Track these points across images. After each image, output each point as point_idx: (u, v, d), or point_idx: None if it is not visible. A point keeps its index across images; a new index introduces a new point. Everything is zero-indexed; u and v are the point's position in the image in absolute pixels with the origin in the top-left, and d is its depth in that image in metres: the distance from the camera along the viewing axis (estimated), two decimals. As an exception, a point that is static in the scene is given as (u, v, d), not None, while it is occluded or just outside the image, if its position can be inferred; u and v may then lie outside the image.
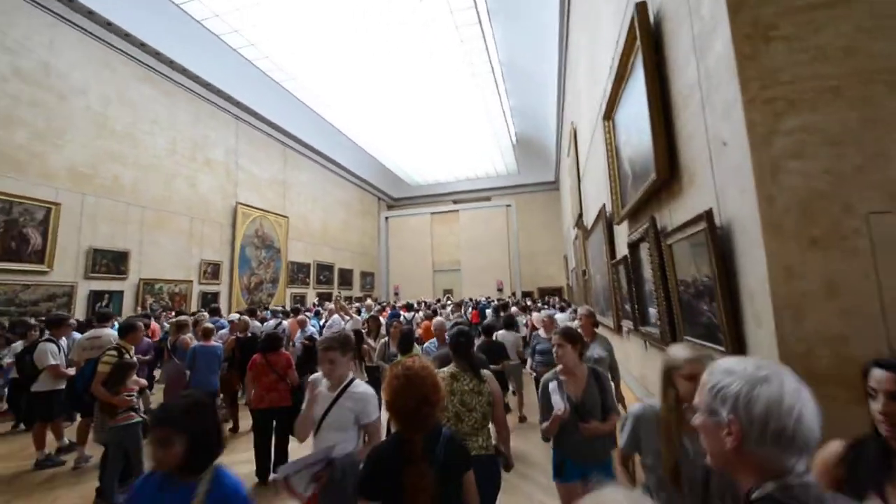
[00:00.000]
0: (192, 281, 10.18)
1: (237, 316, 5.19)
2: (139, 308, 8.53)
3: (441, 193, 22.30)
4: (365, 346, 3.90)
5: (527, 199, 20.34)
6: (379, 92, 13.42)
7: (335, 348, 1.97)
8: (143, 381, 3.21)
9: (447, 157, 18.93)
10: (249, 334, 4.96)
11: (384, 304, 12.21)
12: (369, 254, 20.64)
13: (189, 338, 4.28)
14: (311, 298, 14.90)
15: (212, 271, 10.76)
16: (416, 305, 10.76)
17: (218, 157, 11.45)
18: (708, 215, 1.75)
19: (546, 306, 10.67)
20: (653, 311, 2.81)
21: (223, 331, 5.12)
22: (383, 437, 1.86)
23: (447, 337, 2.50)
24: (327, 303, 9.91)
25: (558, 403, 2.10)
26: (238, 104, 12.05)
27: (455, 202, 21.52)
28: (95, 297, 7.95)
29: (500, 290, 18.54)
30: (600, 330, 3.98)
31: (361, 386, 1.97)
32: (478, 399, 2.12)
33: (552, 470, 2.30)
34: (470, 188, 21.69)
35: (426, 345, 3.68)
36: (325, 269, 16.38)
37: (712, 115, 1.78)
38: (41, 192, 7.30)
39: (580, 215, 8.01)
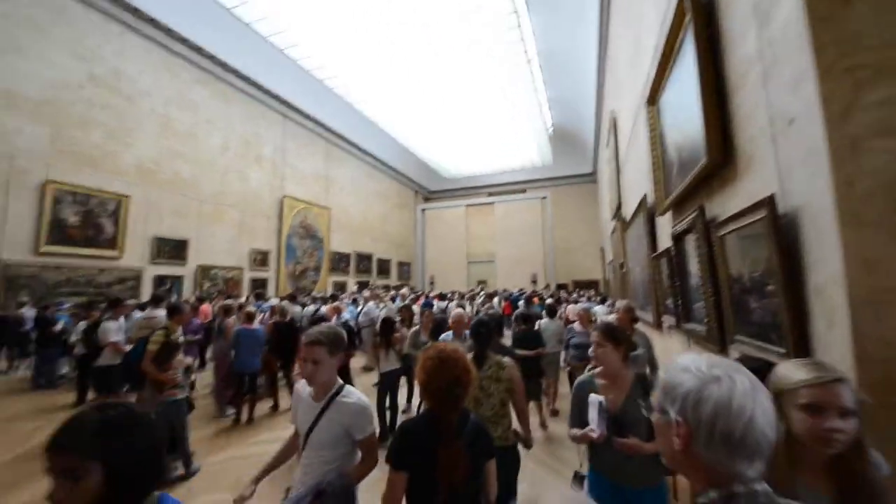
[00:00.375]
0: (243, 268, 10.67)
1: (277, 301, 5.34)
2: (197, 291, 9.09)
3: (476, 186, 22.09)
4: (397, 334, 3.89)
5: (563, 192, 19.77)
6: (416, 86, 13.37)
7: (322, 343, 1.51)
8: (189, 360, 3.41)
9: (483, 150, 18.67)
10: (288, 319, 5.04)
11: (419, 293, 12.29)
12: (406, 245, 20.81)
13: (233, 321, 4.49)
14: (351, 286, 15.24)
15: (260, 259, 11.24)
16: (449, 295, 10.75)
17: (266, 154, 11.88)
18: (769, 202, 1.54)
19: (583, 298, 10.27)
20: (699, 307, 2.57)
21: (266, 314, 5.32)
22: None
23: (470, 327, 2.37)
24: (365, 290, 10.07)
25: (594, 422, 1.72)
26: (285, 103, 12.42)
27: (490, 194, 21.29)
28: (159, 280, 8.55)
29: (534, 282, 18.20)
30: (639, 326, 3.75)
31: (353, 395, 1.57)
32: (496, 385, 2.09)
33: (587, 482, 1.90)
34: (505, 181, 21.32)
35: (441, 336, 3.56)
36: (364, 259, 16.62)
37: (776, 90, 1.56)
38: (113, 185, 7.90)
39: (619, 207, 7.66)
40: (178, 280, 8.95)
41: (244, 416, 4.35)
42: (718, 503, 0.59)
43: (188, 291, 9.08)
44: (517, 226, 19.18)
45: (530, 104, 14.62)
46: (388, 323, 3.87)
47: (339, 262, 14.98)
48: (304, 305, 6.38)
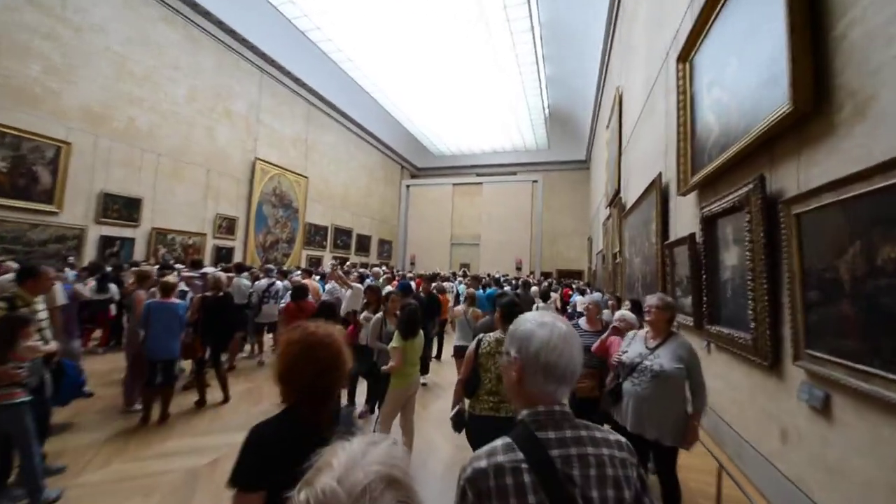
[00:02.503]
0: (206, 234, 9.79)
1: (211, 270, 4.58)
2: (151, 258, 8.24)
3: (465, 165, 21.50)
4: (356, 323, 3.20)
5: (555, 177, 19.38)
6: (409, 54, 12.44)
7: None
8: (50, 347, 2.41)
9: (474, 127, 18.08)
10: (221, 293, 4.22)
11: (398, 272, 11.68)
12: (389, 222, 20.25)
13: (143, 294, 3.67)
14: (328, 261, 14.54)
15: (227, 226, 10.42)
16: (446, 275, 10.17)
17: (239, 110, 10.89)
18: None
19: (589, 289, 9.83)
20: (736, 307, 2.02)
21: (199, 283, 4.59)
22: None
23: (498, 306, 2.34)
24: (331, 264, 9.35)
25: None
26: (263, 55, 11.35)
27: (479, 175, 20.73)
28: (106, 242, 7.65)
29: (518, 268, 17.97)
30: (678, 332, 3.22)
31: None
32: None
33: None
34: (495, 161, 20.80)
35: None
36: (343, 234, 16.06)
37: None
38: (53, 129, 6.89)
39: (617, 192, 7.37)
40: (127, 243, 8.06)
41: (154, 414, 3.58)
42: (525, 418, 0.82)
43: (140, 256, 8.21)
44: (505, 209, 18.79)
45: (529, 81, 13.89)
46: (330, 309, 3.16)
47: (315, 235, 14.32)
48: (256, 278, 5.68)
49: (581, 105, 14.45)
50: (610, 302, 4.43)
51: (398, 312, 2.94)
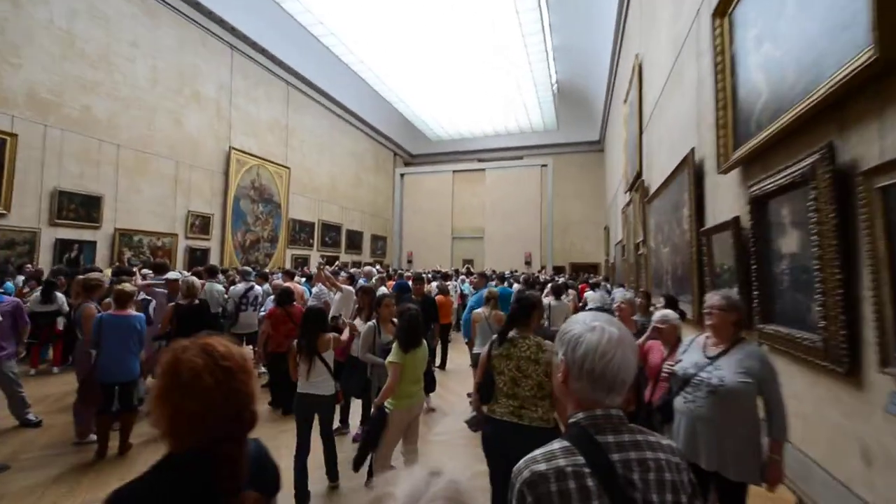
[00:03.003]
0: (177, 235, 9.67)
1: (176, 275, 4.42)
2: (116, 262, 8.08)
3: (465, 151, 21.40)
4: (327, 335, 2.92)
5: (565, 161, 19.22)
6: (398, 26, 12.23)
7: None
8: None
9: (475, 108, 17.93)
10: (197, 301, 4.11)
11: (394, 271, 11.54)
12: (382, 215, 20.17)
13: (92, 306, 3.46)
14: (315, 261, 14.33)
15: (200, 225, 10.26)
16: (425, 275, 10.02)
17: (209, 93, 10.69)
18: None
19: (607, 284, 9.65)
20: (795, 303, 1.85)
21: (163, 291, 4.41)
22: None
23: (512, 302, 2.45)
24: (320, 264, 9.29)
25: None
26: (232, 30, 11.13)
27: (481, 160, 20.61)
28: (63, 246, 7.49)
29: (527, 262, 17.94)
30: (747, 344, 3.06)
31: None
32: (534, 367, 2.19)
33: None
34: (499, 145, 20.69)
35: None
36: (331, 230, 15.93)
37: None
38: (-5, 119, 6.71)
39: (638, 175, 7.20)
40: (88, 246, 7.90)
41: (114, 445, 3.39)
42: (581, 421, 0.87)
43: (103, 261, 8.06)
44: (511, 197, 18.70)
45: (534, 53, 13.67)
46: (318, 317, 2.96)
47: (301, 232, 14.20)
48: (232, 282, 5.50)
49: (593, 78, 14.24)
50: (638, 300, 4.27)
51: (394, 319, 2.78)
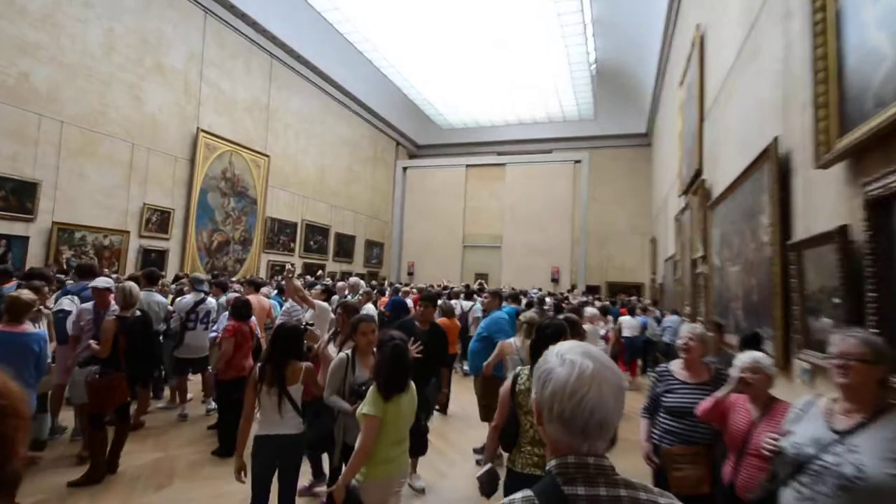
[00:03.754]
0: (129, 232, 9.57)
1: (107, 282, 4.20)
2: (51, 262, 7.95)
3: (482, 142, 21.43)
4: (298, 364, 2.78)
5: (604, 157, 19.17)
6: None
7: None
8: None
9: (495, 90, 17.92)
10: (140, 312, 4.03)
11: (390, 285, 11.27)
12: (379, 217, 20.17)
13: None
14: (297, 270, 14.21)
15: (158, 221, 10.15)
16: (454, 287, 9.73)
17: (175, 64, 10.68)
18: None
19: (656, 309, 9.30)
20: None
21: (87, 306, 4.17)
22: None
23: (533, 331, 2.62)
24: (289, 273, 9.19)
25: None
26: (207, -10, 11.16)
27: (500, 154, 20.58)
28: (-12, 241, 7.39)
29: (554, 280, 17.68)
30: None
31: None
32: None
33: None
34: (523, 136, 20.70)
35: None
36: (317, 233, 15.84)
37: None
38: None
39: (697, 173, 7.13)
40: (18, 242, 7.79)
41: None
42: (552, 469, 0.90)
43: (38, 261, 7.93)
44: (536, 200, 18.56)
45: (569, 27, 13.55)
46: (286, 335, 2.75)
47: (280, 234, 14.12)
48: (180, 293, 5.26)
49: (640, 57, 14.10)
50: (709, 334, 3.92)
51: (375, 350, 2.50)
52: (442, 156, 21.65)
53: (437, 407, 5.53)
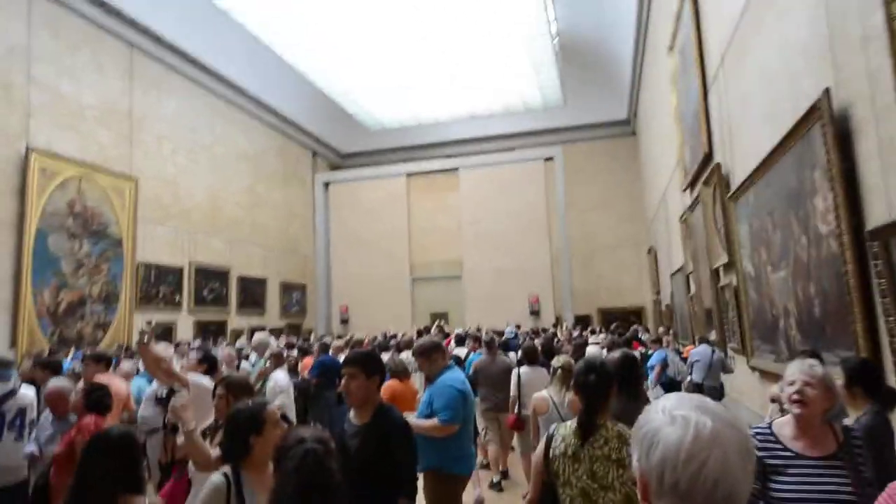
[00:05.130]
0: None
1: None
2: None
3: (426, 144, 21.64)
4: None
5: (579, 152, 19.63)
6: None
7: None
8: None
9: (437, 79, 18.21)
10: None
11: (316, 340, 10.67)
12: (298, 252, 20.01)
13: None
14: (187, 332, 13.90)
15: (-29, 282, 9.30)
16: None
17: (-10, 60, 10.22)
18: None
19: (671, 339, 9.13)
20: None
21: None
22: None
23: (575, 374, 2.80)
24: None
25: None
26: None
27: (450, 157, 20.81)
28: None
29: (534, 312, 17.80)
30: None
31: None
32: (617, 472, 2.32)
33: None
34: (478, 133, 21.02)
35: None
36: (212, 279, 15.49)
37: None
38: None
39: (707, 158, 7.35)
40: None
41: None
42: None
43: None
44: (501, 211, 18.79)
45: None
46: (106, 449, 2.16)
47: (159, 284, 13.65)
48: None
49: (613, 21, 14.56)
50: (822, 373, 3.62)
51: (276, 462, 1.92)
52: (374, 164, 21.84)
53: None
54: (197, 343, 11.32)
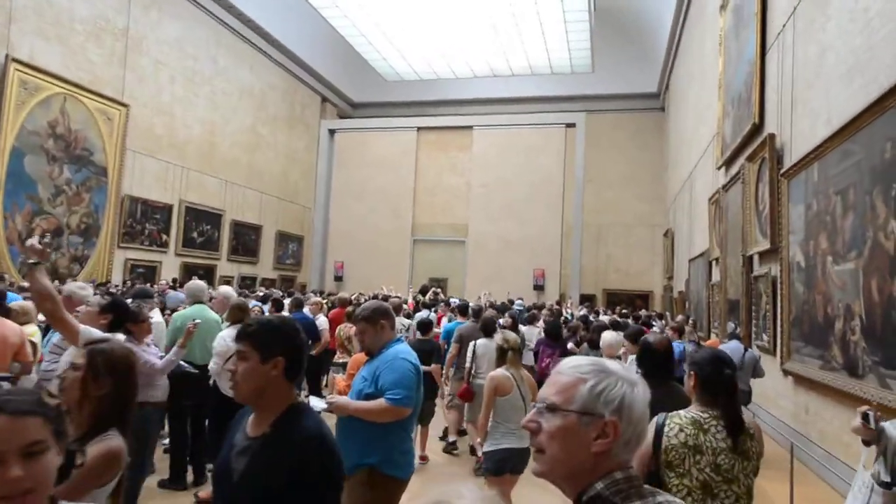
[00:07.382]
0: None
1: None
2: None
3: (441, 100, 21.53)
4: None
5: (603, 122, 19.37)
6: None
7: None
8: None
9: (459, 33, 17.98)
10: None
11: (289, 295, 10.13)
12: (297, 201, 19.97)
13: None
14: (169, 274, 13.60)
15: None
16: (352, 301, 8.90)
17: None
18: None
19: (690, 330, 8.52)
20: None
21: None
22: None
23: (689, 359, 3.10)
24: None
25: None
26: None
27: (466, 115, 20.52)
28: None
29: (538, 286, 17.54)
30: None
31: None
32: (741, 465, 2.35)
33: None
34: (497, 93, 20.87)
35: None
36: (203, 220, 15.38)
37: None
38: None
39: (755, 129, 7.11)
40: None
41: None
42: (603, 492, 1.00)
43: None
44: (514, 177, 18.52)
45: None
46: None
47: (146, 220, 13.42)
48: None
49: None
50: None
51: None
52: (385, 115, 21.53)
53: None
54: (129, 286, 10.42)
